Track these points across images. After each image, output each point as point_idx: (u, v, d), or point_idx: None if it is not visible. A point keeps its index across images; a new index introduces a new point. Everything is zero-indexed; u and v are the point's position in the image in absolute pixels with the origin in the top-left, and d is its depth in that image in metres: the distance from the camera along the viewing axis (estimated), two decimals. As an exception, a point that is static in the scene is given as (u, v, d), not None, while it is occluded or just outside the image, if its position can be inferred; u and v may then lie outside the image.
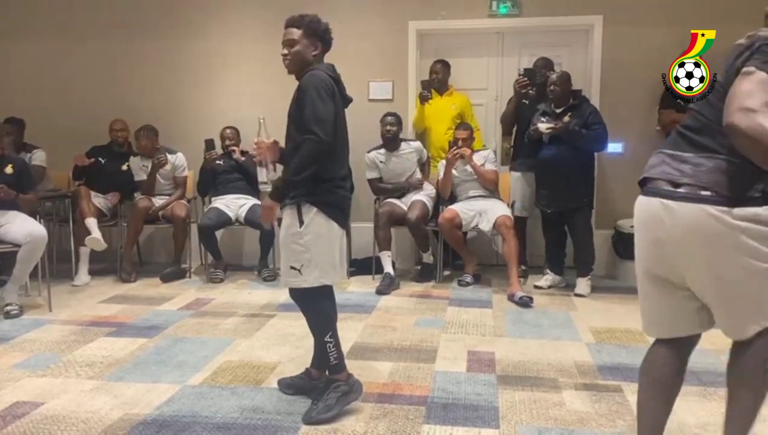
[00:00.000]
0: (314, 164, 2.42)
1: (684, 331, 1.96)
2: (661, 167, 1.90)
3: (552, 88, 4.46)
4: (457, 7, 5.21)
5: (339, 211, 2.56)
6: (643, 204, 1.94)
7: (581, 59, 5.24)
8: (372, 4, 5.31)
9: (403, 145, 4.96)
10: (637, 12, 5.01)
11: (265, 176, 2.58)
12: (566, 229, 4.67)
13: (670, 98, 4.82)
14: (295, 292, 2.61)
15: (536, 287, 4.66)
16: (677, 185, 1.81)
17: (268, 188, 2.63)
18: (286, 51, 2.54)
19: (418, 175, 5.02)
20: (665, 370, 2.00)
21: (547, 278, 4.72)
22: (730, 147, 1.70)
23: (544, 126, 4.37)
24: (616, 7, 5.03)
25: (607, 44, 5.07)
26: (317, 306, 2.59)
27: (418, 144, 5.05)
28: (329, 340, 2.55)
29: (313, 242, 2.48)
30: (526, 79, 4.77)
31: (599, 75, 5.08)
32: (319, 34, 2.56)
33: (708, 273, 1.80)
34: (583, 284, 4.54)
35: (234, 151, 5.07)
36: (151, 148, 5.08)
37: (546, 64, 4.90)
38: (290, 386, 2.81)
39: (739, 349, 1.88)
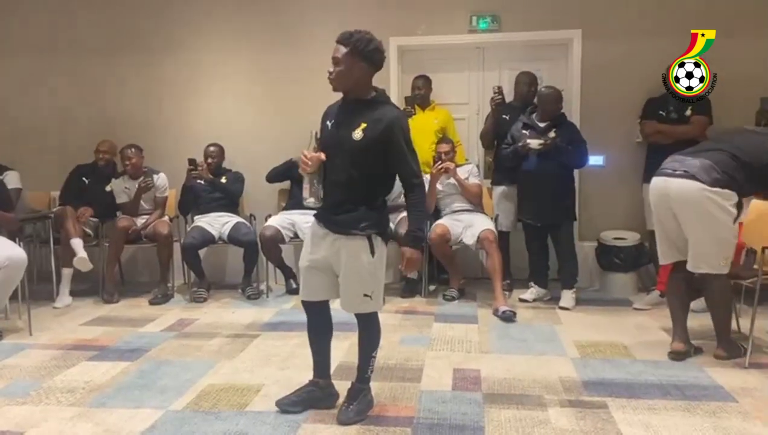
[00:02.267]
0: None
1: (681, 257, 3.39)
2: (669, 165, 3.37)
3: (556, 106, 4.53)
4: (438, 23, 5.25)
5: (387, 234, 2.73)
6: (655, 181, 3.41)
7: (561, 72, 5.28)
8: (353, 21, 5.20)
9: None
10: (615, 25, 5.07)
11: (308, 192, 2.61)
12: (548, 242, 4.71)
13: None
14: (362, 315, 2.72)
15: (521, 300, 4.67)
16: (675, 171, 3.28)
17: (312, 204, 2.63)
18: (330, 69, 2.54)
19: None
20: (680, 286, 3.50)
21: (532, 291, 4.74)
22: (714, 160, 3.21)
23: (535, 142, 4.39)
24: (594, 21, 5.08)
25: (586, 58, 5.12)
26: (377, 325, 2.77)
27: None
28: (374, 355, 2.76)
29: (380, 269, 2.65)
30: (500, 96, 4.82)
31: (579, 88, 5.12)
32: (364, 54, 2.52)
33: (689, 219, 3.24)
34: (567, 297, 4.56)
35: (201, 172, 4.98)
36: (139, 167, 5.04)
37: (530, 79, 4.93)
38: (297, 404, 2.80)
39: (706, 284, 3.34)
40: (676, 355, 3.40)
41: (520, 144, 4.47)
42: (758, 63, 4.77)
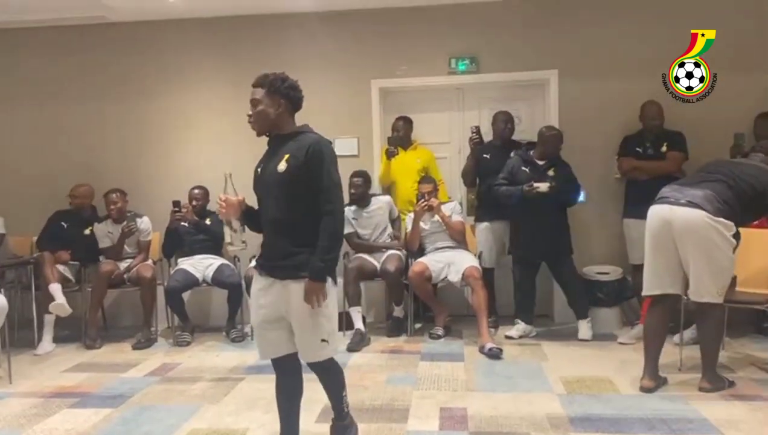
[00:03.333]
0: (342, 234, 2.55)
1: (668, 289, 3.47)
2: (671, 193, 3.44)
3: (557, 148, 4.63)
4: (418, 65, 5.36)
5: (335, 274, 2.59)
6: (657, 209, 3.45)
7: (539, 111, 5.41)
8: (335, 64, 5.44)
9: (373, 200, 5.06)
10: (590, 65, 5.20)
11: (229, 237, 2.53)
12: (538, 279, 4.78)
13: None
14: (318, 363, 2.56)
15: (507, 338, 4.67)
16: (678, 200, 3.35)
17: (235, 249, 2.57)
18: (250, 111, 2.54)
19: (390, 230, 5.07)
20: (659, 321, 3.54)
21: (519, 328, 4.74)
22: (715, 191, 3.32)
23: (544, 186, 4.41)
24: (570, 61, 5.22)
25: (563, 97, 5.24)
26: (336, 366, 2.64)
27: (387, 198, 5.14)
28: (344, 394, 2.68)
29: (333, 311, 2.53)
30: (477, 136, 4.89)
31: (557, 126, 5.20)
32: (281, 92, 2.51)
33: (693, 247, 3.30)
34: (584, 327, 4.60)
35: (185, 214, 4.96)
36: (124, 211, 5.05)
37: (506, 117, 5.03)
38: None
39: (701, 312, 3.41)
40: (647, 392, 3.45)
41: (525, 186, 4.45)
42: (732, 100, 4.90)
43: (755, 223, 3.89)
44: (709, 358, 3.45)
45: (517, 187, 4.53)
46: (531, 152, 4.70)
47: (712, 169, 3.54)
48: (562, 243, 4.63)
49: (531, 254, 4.69)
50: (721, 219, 3.26)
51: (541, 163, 4.63)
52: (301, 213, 2.45)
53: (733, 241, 3.30)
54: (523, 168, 4.62)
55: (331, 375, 2.64)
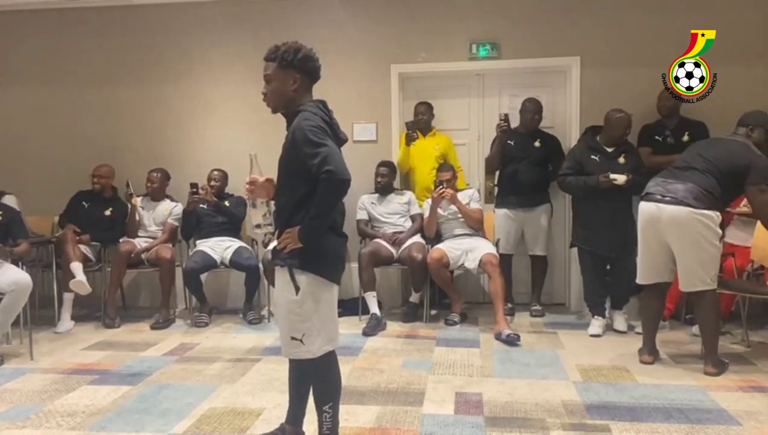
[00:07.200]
0: (338, 201, 2.22)
1: (660, 279, 3.69)
2: (656, 189, 3.57)
3: (625, 132, 4.35)
4: (438, 50, 5.32)
5: (334, 266, 2.38)
6: (645, 206, 3.61)
7: (560, 99, 5.34)
8: (355, 48, 5.42)
9: (394, 193, 5.14)
10: (613, 53, 5.13)
11: (260, 218, 2.43)
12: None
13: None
14: (296, 361, 2.42)
15: (592, 336, 4.35)
16: (664, 196, 3.49)
17: (261, 232, 2.47)
18: (264, 89, 2.39)
19: (409, 223, 5.07)
20: (654, 304, 3.80)
21: (600, 324, 4.44)
22: (697, 183, 3.44)
23: (621, 178, 4.17)
24: (592, 48, 5.15)
25: (584, 84, 5.17)
26: (322, 375, 2.42)
27: (410, 195, 5.15)
28: (328, 410, 2.39)
29: (313, 309, 2.30)
30: (506, 124, 4.82)
31: (578, 114, 5.16)
32: (295, 64, 2.33)
33: (681, 242, 3.46)
34: (620, 318, 4.50)
35: (204, 196, 4.96)
36: (161, 191, 5.23)
37: (535, 106, 4.96)
38: None
39: (697, 299, 3.54)
40: (646, 364, 3.72)
41: (602, 177, 4.21)
42: (755, 90, 4.81)
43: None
44: (710, 343, 3.57)
45: (591, 178, 4.27)
46: (597, 137, 4.45)
47: (690, 156, 3.64)
48: (627, 236, 4.20)
49: (596, 247, 4.42)
50: (705, 211, 3.40)
51: (610, 150, 4.38)
52: (290, 198, 2.31)
53: (719, 230, 3.46)
54: (593, 156, 4.35)
55: (304, 380, 2.47)
